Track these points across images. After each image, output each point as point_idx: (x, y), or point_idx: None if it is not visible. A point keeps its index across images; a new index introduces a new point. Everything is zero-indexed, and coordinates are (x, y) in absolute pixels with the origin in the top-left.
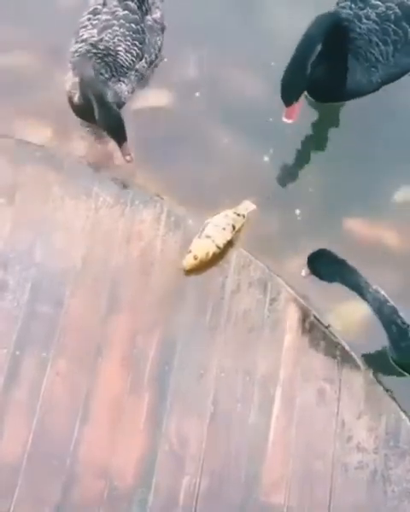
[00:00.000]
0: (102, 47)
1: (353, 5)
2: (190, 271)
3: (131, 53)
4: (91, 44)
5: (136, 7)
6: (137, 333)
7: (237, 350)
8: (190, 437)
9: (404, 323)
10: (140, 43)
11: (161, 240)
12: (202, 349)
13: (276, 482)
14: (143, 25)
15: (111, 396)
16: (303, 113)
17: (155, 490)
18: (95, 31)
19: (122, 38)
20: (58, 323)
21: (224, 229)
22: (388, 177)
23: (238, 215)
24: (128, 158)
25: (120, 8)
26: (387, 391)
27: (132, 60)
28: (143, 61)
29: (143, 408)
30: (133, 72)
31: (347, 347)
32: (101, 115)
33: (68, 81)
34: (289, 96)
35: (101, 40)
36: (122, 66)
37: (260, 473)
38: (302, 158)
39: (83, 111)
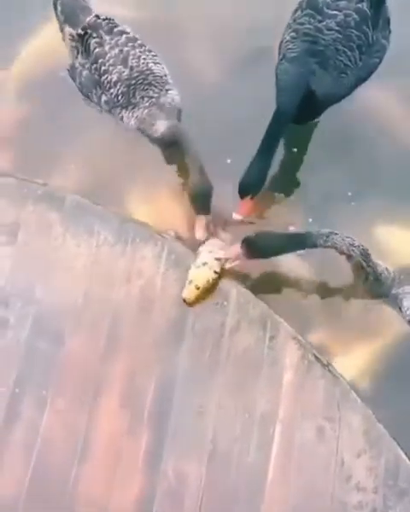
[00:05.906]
0: (136, 74)
1: (311, 20)
2: (192, 302)
3: (160, 63)
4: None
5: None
6: (136, 371)
7: (236, 388)
8: (189, 475)
9: (361, 245)
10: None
11: (162, 277)
12: (201, 387)
13: None
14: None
15: (110, 434)
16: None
17: None
18: (119, 66)
19: (145, 54)
20: (58, 361)
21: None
22: None
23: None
24: (199, 234)
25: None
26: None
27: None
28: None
29: (142, 446)
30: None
31: (346, 385)
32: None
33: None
34: (249, 192)
35: (132, 69)
36: (161, 76)
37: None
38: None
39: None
